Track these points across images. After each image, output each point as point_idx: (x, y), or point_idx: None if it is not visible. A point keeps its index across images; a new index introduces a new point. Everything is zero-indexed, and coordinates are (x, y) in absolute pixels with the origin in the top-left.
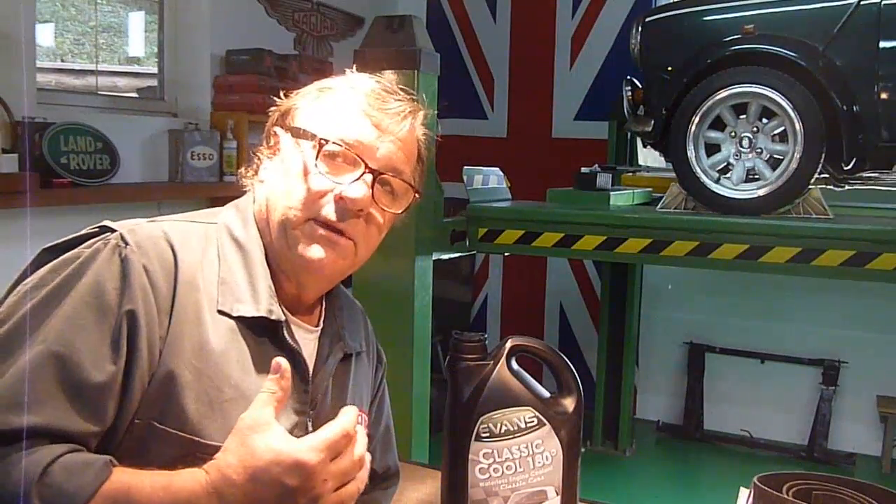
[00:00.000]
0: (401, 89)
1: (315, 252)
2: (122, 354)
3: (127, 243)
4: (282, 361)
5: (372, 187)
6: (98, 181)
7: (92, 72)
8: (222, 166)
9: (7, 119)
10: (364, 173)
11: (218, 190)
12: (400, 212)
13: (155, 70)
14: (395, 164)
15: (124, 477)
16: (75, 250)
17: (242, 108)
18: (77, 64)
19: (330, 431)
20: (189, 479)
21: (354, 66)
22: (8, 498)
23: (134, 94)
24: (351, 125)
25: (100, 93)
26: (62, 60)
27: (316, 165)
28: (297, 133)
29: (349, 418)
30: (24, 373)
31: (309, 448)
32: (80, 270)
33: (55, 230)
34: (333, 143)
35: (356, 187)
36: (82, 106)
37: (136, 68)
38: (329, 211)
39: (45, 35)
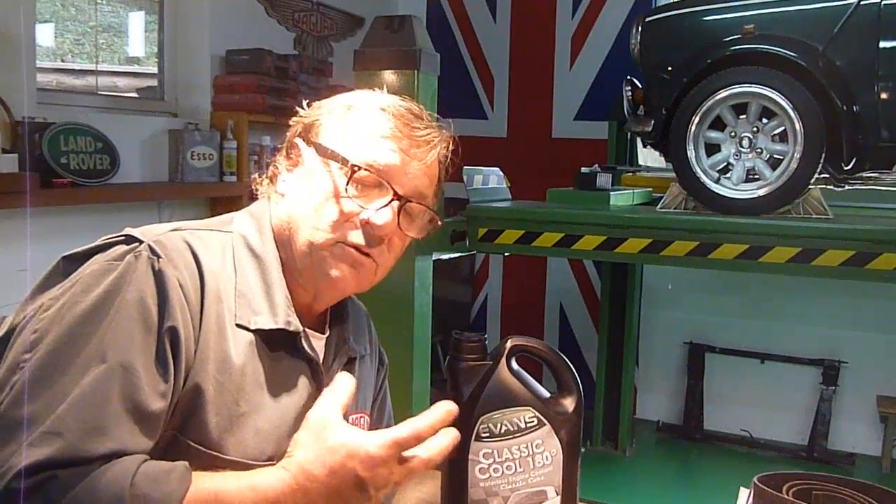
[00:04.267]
0: (428, 114)
1: (341, 271)
2: (171, 376)
3: (159, 256)
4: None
5: (398, 214)
6: (98, 181)
7: (92, 72)
8: (222, 166)
9: (7, 119)
10: (392, 200)
11: (218, 190)
12: (421, 237)
13: (155, 70)
14: (420, 190)
15: (207, 480)
16: (103, 261)
17: (242, 108)
18: (77, 64)
19: (401, 431)
20: (272, 478)
21: (355, 66)
22: None
23: (134, 94)
24: (381, 150)
25: (100, 93)
26: (62, 60)
27: (347, 190)
28: (326, 153)
29: (423, 425)
30: (91, 395)
31: (379, 443)
32: (118, 284)
33: (55, 230)
34: (365, 169)
35: (383, 214)
36: (82, 106)
37: (136, 68)
38: (357, 236)
39: (45, 35)
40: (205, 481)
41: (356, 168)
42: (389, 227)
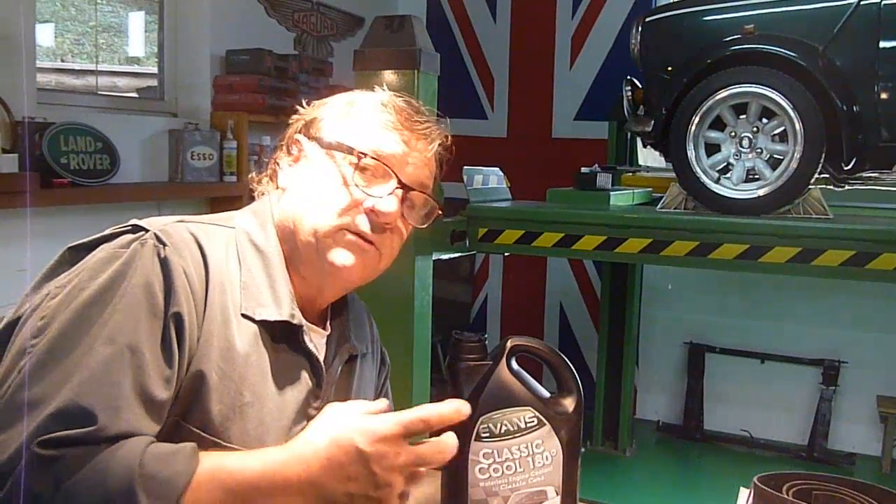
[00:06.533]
0: (426, 109)
1: (346, 258)
2: (175, 362)
3: (164, 244)
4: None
5: (402, 202)
6: (98, 181)
7: (92, 72)
8: (222, 166)
9: (7, 119)
10: (396, 188)
11: (218, 190)
12: (423, 226)
13: (155, 70)
14: (421, 180)
15: (212, 456)
16: (110, 249)
17: (242, 108)
18: (77, 64)
19: (408, 414)
20: (276, 449)
21: (355, 66)
22: (111, 493)
23: (134, 94)
24: (384, 140)
25: (100, 93)
26: (62, 60)
27: (353, 178)
28: (331, 145)
29: (431, 411)
30: (102, 375)
31: (382, 419)
32: (124, 270)
33: (55, 230)
34: (371, 157)
35: (388, 201)
36: (82, 106)
37: (136, 68)
38: (362, 222)
39: (45, 35)
40: (210, 456)
41: (362, 155)
42: (394, 215)
